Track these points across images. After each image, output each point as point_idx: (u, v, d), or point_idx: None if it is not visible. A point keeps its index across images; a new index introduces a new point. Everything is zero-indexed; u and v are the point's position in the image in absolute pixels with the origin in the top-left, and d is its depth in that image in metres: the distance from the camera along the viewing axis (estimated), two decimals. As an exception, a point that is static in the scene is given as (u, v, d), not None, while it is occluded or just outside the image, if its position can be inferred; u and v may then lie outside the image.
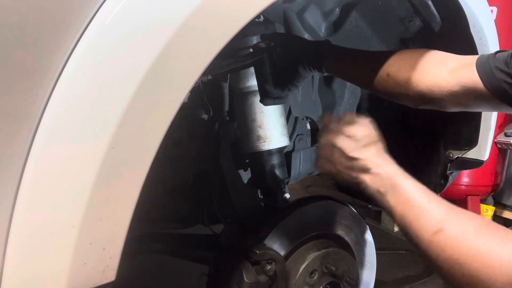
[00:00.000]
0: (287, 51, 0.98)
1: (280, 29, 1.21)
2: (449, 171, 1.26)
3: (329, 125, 0.85)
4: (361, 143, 0.78)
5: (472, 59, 0.76)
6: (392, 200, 0.72)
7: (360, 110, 1.50)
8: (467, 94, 0.76)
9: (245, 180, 1.29)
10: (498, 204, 2.84)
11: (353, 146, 0.78)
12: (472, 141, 1.19)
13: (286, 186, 1.26)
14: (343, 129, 0.81)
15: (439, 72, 0.78)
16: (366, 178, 0.76)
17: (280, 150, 1.20)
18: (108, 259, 0.60)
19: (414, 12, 1.07)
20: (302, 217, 1.09)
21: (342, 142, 0.80)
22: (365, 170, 0.76)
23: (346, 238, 1.19)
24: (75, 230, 0.56)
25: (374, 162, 0.76)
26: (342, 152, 0.79)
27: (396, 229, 2.89)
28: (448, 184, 1.29)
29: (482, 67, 0.73)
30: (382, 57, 0.86)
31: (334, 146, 0.81)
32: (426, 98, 0.82)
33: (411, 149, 1.41)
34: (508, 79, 0.70)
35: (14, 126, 0.54)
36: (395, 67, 0.84)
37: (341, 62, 0.93)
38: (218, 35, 0.63)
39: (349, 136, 0.80)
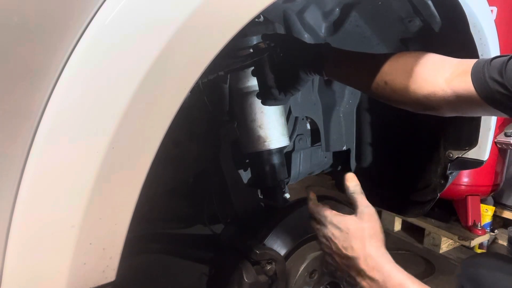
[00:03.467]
0: (287, 53, 0.98)
1: (280, 29, 1.21)
2: (449, 171, 1.26)
3: (318, 213, 0.84)
4: (353, 239, 0.76)
5: (468, 66, 0.75)
6: None
7: (360, 110, 1.50)
8: (463, 102, 0.76)
9: (245, 180, 1.29)
10: (498, 204, 2.84)
11: (344, 243, 0.77)
12: (472, 141, 1.19)
13: (286, 186, 1.26)
14: (332, 221, 0.81)
15: (435, 80, 0.78)
16: (363, 284, 0.74)
17: (280, 150, 1.20)
18: (108, 259, 0.59)
19: (414, 12, 1.07)
20: (302, 217, 1.09)
21: (334, 238, 0.79)
22: (360, 272, 0.75)
23: (346, 238, 1.18)
24: (75, 230, 0.56)
25: (369, 264, 0.73)
26: (336, 249, 0.79)
27: (396, 229, 2.89)
28: (448, 184, 1.29)
29: (477, 76, 0.72)
30: (379, 63, 0.86)
31: (328, 239, 0.81)
32: (423, 106, 0.82)
33: (411, 149, 1.41)
34: (502, 90, 0.69)
35: (14, 126, 0.54)
36: (392, 76, 0.84)
37: (340, 68, 0.93)
38: (218, 35, 0.63)
39: (339, 229, 0.79)
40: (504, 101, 0.70)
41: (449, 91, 0.76)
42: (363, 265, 0.74)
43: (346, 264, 0.78)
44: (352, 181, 0.82)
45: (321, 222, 0.84)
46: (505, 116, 0.76)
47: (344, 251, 0.77)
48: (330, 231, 0.81)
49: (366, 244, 0.75)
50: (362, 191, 0.82)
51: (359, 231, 0.77)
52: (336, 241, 0.79)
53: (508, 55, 0.70)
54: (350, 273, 0.77)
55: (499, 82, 0.69)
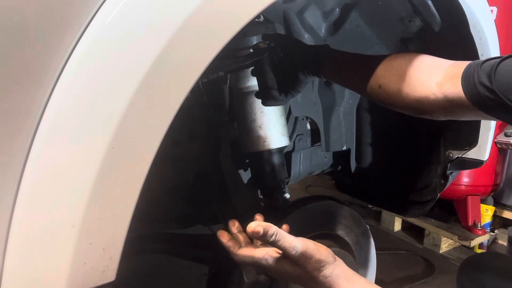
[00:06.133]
0: (287, 54, 0.98)
1: (280, 29, 1.21)
2: (449, 171, 1.26)
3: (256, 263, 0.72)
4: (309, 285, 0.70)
5: (460, 69, 0.73)
6: None
7: (360, 110, 1.51)
8: (454, 107, 0.74)
9: (245, 180, 1.29)
10: (498, 204, 2.84)
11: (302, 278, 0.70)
12: (472, 141, 1.19)
13: (286, 186, 1.26)
14: (276, 271, 0.71)
15: (428, 84, 0.76)
16: None
17: (280, 150, 1.20)
18: (108, 259, 0.60)
19: (414, 12, 1.07)
20: (302, 217, 1.09)
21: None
22: None
23: (346, 238, 1.19)
24: (75, 230, 0.56)
25: None
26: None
27: (396, 229, 2.89)
28: (448, 184, 1.29)
29: (467, 81, 0.71)
30: (373, 66, 0.85)
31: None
32: (417, 109, 0.81)
33: (411, 149, 1.41)
34: (491, 95, 0.67)
35: (14, 126, 0.54)
36: (385, 79, 0.82)
37: (338, 71, 0.93)
38: (218, 35, 0.63)
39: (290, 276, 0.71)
40: (494, 107, 0.68)
41: (441, 96, 0.74)
42: None
43: None
44: (260, 233, 0.66)
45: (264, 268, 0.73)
46: (497, 120, 0.74)
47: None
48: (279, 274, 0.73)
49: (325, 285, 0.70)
50: (277, 232, 0.68)
51: (307, 279, 0.70)
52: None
53: (499, 58, 0.68)
54: None
55: (488, 87, 0.67)
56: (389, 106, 0.87)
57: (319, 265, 0.69)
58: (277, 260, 0.71)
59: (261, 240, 0.68)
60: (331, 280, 0.69)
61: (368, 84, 0.85)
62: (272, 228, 0.67)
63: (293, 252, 0.68)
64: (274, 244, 0.68)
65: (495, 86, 0.66)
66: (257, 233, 0.66)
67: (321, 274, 0.69)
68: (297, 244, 0.68)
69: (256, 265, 0.73)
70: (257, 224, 0.67)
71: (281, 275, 0.72)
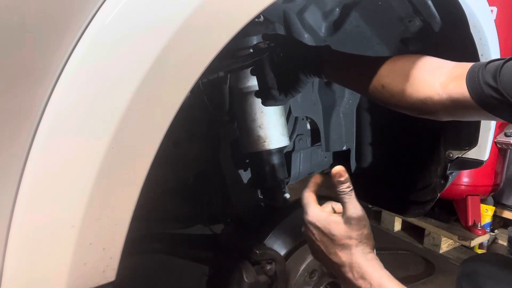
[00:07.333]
0: (287, 54, 0.98)
1: (280, 29, 1.21)
2: (449, 171, 1.26)
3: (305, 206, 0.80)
4: (338, 246, 0.74)
5: (464, 69, 0.74)
6: None
7: (360, 110, 1.51)
8: (458, 107, 0.75)
9: (245, 180, 1.29)
10: (498, 204, 2.84)
11: (329, 248, 0.75)
12: (472, 141, 1.19)
13: (286, 186, 1.26)
14: (316, 224, 0.77)
15: (432, 85, 0.77)
16: None
17: (280, 150, 1.21)
18: (108, 259, 0.60)
19: (414, 12, 1.07)
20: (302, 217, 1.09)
21: (317, 241, 0.77)
22: (346, 281, 0.73)
23: (346, 238, 1.18)
24: (75, 230, 0.56)
25: (356, 273, 0.72)
26: (323, 250, 0.77)
27: (396, 229, 2.90)
28: (448, 184, 1.29)
29: (471, 81, 0.72)
30: (376, 66, 0.85)
31: (312, 240, 0.78)
32: (420, 110, 0.81)
33: (411, 149, 1.41)
34: (496, 95, 0.68)
35: (14, 126, 0.54)
36: (389, 79, 0.83)
37: (339, 71, 0.93)
38: (218, 35, 0.63)
39: (324, 235, 0.76)
40: (499, 106, 0.69)
41: (445, 96, 0.75)
42: (348, 273, 0.72)
43: (332, 267, 0.76)
44: (341, 177, 0.74)
45: (305, 218, 0.80)
46: (501, 120, 0.75)
47: (329, 255, 0.76)
48: (314, 232, 0.78)
49: (353, 251, 0.73)
50: (352, 188, 0.75)
51: (345, 238, 0.74)
52: (320, 244, 0.77)
53: (503, 59, 0.69)
54: (338, 279, 0.75)
55: (493, 87, 0.68)
56: (392, 107, 0.87)
57: (365, 238, 0.74)
58: (331, 215, 0.77)
59: (335, 185, 0.74)
60: (369, 258, 0.73)
61: (371, 84, 0.86)
62: (350, 183, 0.74)
63: (352, 210, 0.73)
64: (343, 194, 0.74)
65: (499, 86, 0.67)
66: (340, 176, 0.73)
67: (362, 247, 0.73)
68: (361, 208, 0.74)
69: (311, 209, 0.79)
70: (343, 170, 0.74)
71: (321, 229, 0.76)
